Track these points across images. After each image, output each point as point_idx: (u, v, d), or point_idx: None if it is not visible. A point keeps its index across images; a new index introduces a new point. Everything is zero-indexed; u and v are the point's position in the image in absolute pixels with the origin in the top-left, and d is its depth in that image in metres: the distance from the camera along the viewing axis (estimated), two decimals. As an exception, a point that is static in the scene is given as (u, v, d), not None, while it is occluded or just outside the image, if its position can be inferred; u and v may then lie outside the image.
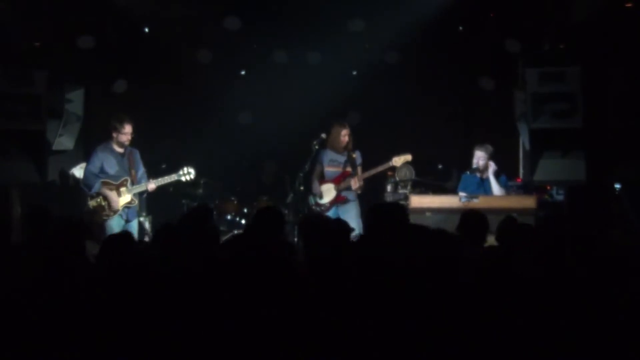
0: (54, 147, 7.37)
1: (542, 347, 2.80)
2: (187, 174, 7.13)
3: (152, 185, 7.03)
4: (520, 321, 2.87)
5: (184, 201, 8.07)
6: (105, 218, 6.85)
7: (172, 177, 7.13)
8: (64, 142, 7.48)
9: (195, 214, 4.99)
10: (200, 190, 8.04)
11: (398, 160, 7.20)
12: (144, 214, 7.60)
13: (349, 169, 7.37)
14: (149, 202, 7.40)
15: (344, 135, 7.38)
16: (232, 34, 8.32)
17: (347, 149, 7.40)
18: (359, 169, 7.35)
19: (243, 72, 8.96)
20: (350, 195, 7.38)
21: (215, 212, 8.03)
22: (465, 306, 2.92)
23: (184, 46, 8.41)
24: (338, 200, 7.37)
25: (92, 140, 7.77)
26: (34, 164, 7.08)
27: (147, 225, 7.62)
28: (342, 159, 7.44)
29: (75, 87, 7.58)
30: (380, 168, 7.29)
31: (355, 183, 7.26)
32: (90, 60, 7.85)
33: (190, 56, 8.49)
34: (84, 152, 7.81)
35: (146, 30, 8.30)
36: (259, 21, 8.27)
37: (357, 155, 7.40)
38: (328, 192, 7.42)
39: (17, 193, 7.37)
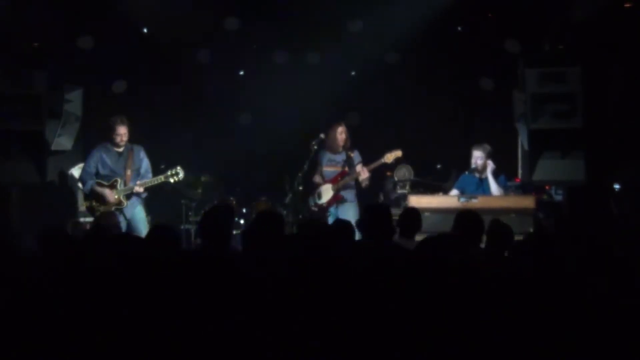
0: (53, 148, 7.37)
1: (540, 348, 2.79)
2: (175, 174, 6.96)
3: (138, 188, 6.95)
4: (518, 322, 2.86)
5: (182, 201, 8.07)
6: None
7: (159, 179, 6.99)
8: (63, 142, 7.48)
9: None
10: (200, 190, 8.03)
11: (390, 157, 7.17)
12: (143, 213, 7.59)
13: (346, 168, 7.35)
14: (148, 202, 7.38)
15: (340, 133, 7.36)
16: (232, 34, 8.32)
17: (345, 148, 7.39)
18: (358, 167, 7.31)
19: (242, 72, 8.96)
20: (349, 196, 7.36)
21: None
22: (461, 308, 2.90)
23: (184, 46, 8.40)
24: (335, 200, 7.34)
25: (91, 140, 7.77)
26: (33, 164, 7.08)
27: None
28: (339, 158, 7.43)
29: (74, 87, 7.58)
30: (373, 165, 7.25)
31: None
32: (90, 60, 7.85)
33: (190, 56, 8.49)
34: (83, 152, 7.82)
35: (145, 30, 8.29)
36: (259, 21, 8.27)
37: (355, 155, 7.37)
38: (326, 192, 7.40)
39: (16, 193, 7.37)
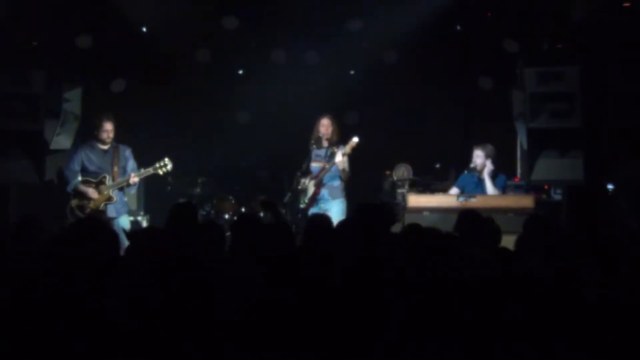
0: (52, 147, 7.36)
1: (538, 348, 2.79)
2: (164, 166, 6.96)
3: (134, 179, 6.95)
4: (517, 322, 2.87)
5: (181, 200, 8.06)
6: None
7: (149, 170, 6.97)
8: (62, 141, 7.48)
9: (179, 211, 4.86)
10: (198, 190, 8.03)
11: (347, 149, 7.02)
12: (141, 212, 7.59)
13: (326, 163, 7.15)
14: (147, 201, 7.38)
15: (321, 126, 7.18)
16: (231, 33, 8.32)
17: (331, 142, 7.19)
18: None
19: (241, 72, 8.96)
20: (329, 193, 7.17)
21: (212, 212, 8.04)
22: (460, 307, 2.91)
23: (183, 46, 8.40)
24: (315, 195, 7.19)
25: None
26: (31, 163, 7.08)
27: (144, 224, 7.62)
28: (324, 153, 7.23)
29: (73, 86, 7.58)
30: (339, 155, 7.06)
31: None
32: (89, 59, 7.85)
33: (189, 56, 8.49)
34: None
35: (144, 29, 8.28)
36: (258, 20, 8.27)
37: (339, 149, 7.10)
38: (310, 189, 7.24)
39: (15, 193, 7.37)
